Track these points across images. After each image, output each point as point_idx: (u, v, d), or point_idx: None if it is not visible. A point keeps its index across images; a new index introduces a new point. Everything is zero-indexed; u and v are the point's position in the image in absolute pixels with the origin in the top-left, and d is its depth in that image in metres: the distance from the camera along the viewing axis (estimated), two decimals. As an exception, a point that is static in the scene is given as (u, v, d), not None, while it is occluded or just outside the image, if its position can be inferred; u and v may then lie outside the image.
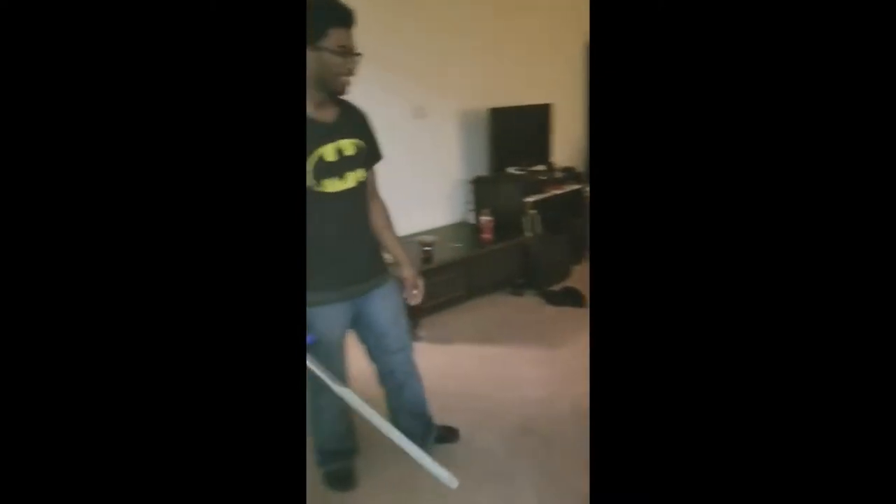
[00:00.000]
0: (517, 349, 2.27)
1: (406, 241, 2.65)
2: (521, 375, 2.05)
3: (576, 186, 3.25)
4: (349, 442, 1.54)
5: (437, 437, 1.67)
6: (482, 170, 3.19)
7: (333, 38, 1.11)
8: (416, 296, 1.46)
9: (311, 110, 1.18)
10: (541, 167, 3.25)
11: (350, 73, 1.16)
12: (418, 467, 1.57)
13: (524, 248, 2.88)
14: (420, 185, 2.95)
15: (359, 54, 1.16)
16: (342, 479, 1.50)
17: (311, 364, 1.19)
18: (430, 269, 2.45)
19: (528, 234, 2.90)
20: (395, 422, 1.55)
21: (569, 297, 2.74)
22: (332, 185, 1.20)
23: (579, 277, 3.01)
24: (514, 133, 3.10)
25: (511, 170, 3.12)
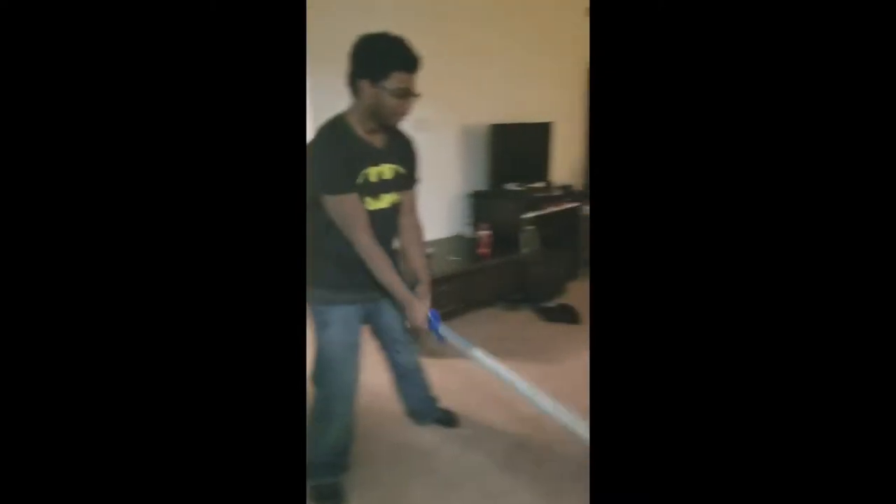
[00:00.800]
0: (513, 364, 2.27)
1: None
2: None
3: (573, 204, 3.27)
4: (345, 458, 1.54)
5: (439, 418, 1.80)
6: (481, 185, 3.22)
7: (395, 80, 1.14)
8: (414, 320, 1.47)
9: (363, 133, 1.24)
10: (539, 184, 3.27)
11: (405, 112, 1.20)
12: (405, 486, 1.57)
13: (521, 263, 2.89)
14: (419, 196, 2.96)
15: (417, 95, 1.18)
16: (333, 494, 1.49)
17: (445, 332, 1.30)
18: (427, 283, 2.46)
19: (524, 250, 2.91)
20: (403, 403, 1.75)
21: (563, 314, 2.75)
22: (369, 204, 1.28)
23: (574, 294, 3.03)
24: (515, 150, 3.13)
25: (510, 186, 3.14)
